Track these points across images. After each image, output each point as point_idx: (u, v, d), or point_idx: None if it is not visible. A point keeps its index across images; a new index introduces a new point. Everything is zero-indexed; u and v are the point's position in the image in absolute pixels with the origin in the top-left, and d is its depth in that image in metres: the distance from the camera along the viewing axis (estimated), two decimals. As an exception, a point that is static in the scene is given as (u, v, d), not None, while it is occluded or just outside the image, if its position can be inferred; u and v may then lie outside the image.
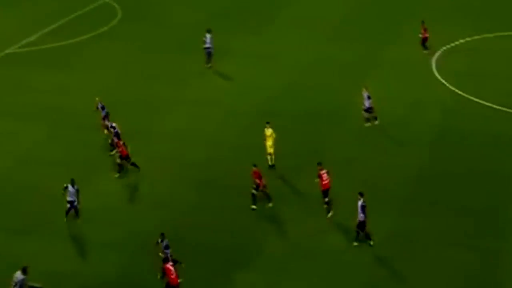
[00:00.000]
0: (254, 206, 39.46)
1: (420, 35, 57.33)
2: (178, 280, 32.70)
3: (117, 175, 42.34)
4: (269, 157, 42.87)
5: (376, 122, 47.37)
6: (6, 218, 39.09)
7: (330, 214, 39.08)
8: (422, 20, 57.72)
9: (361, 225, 36.45)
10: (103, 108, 45.93)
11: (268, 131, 42.79)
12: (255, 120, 46.95)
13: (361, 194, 36.45)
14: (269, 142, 42.63)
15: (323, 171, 39.15)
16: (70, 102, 50.30)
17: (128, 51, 58.93)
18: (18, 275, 32.69)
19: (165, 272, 33.12)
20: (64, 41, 60.59)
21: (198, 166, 43.25)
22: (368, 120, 47.33)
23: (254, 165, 39.80)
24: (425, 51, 57.29)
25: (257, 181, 39.37)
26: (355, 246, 36.57)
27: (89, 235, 37.84)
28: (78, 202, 38.51)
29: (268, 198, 39.74)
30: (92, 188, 41.05)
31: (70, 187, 38.30)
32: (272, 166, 42.72)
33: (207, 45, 55.20)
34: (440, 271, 35.05)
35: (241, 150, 44.44)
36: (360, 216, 36.28)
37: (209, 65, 55.42)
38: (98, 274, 35.14)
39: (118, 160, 42.56)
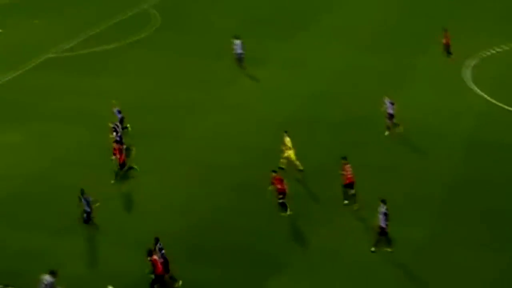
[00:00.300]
0: (286, 213, 39.44)
1: (444, 42, 57.62)
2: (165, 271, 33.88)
3: (113, 181, 42.42)
4: (285, 161, 43.05)
5: (398, 130, 47.03)
6: (45, 218, 39.58)
7: (355, 206, 39.62)
8: (444, 28, 57.97)
9: (382, 231, 36.40)
10: (119, 112, 46.57)
11: (287, 139, 43.11)
12: (286, 126, 47.18)
13: (384, 202, 36.48)
14: (291, 150, 42.94)
15: (348, 165, 40.05)
16: (107, 106, 50.83)
17: (165, 57, 59.65)
18: (47, 277, 32.91)
19: (152, 264, 33.86)
20: (103, 46, 61.48)
21: (230, 170, 43.59)
22: (388, 128, 47.12)
23: (274, 171, 39.93)
24: (449, 58, 57.44)
25: (278, 186, 39.37)
26: (372, 251, 36.43)
27: (123, 237, 38.23)
28: (91, 211, 38.47)
29: (284, 206, 39.55)
30: (125, 190, 41.66)
31: (83, 198, 38.42)
32: (282, 169, 42.67)
33: (239, 51, 55.89)
34: (471, 276, 34.89)
35: (272, 155, 44.59)
36: (382, 223, 36.21)
37: (243, 68, 56.11)
38: (131, 276, 35.44)
39: (116, 168, 42.80)
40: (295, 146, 42.92)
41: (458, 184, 42.18)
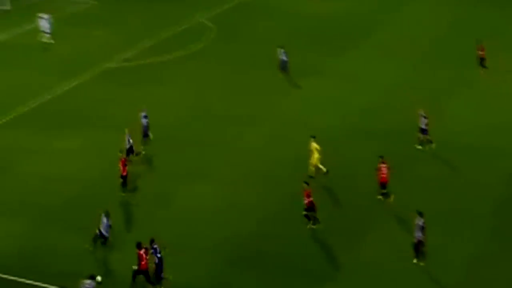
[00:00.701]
0: (309, 225, 39.36)
1: (479, 54, 58.03)
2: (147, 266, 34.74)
3: (123, 194, 42.52)
4: (313, 168, 43.70)
5: (432, 146, 46.83)
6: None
7: (391, 198, 40.61)
8: (478, 39, 58.43)
9: (419, 244, 36.31)
10: (145, 117, 47.29)
11: (314, 145, 43.80)
12: (336, 138, 47.85)
13: (421, 214, 36.49)
14: (317, 155, 43.60)
15: (383, 165, 41.03)
16: (162, 116, 51.88)
17: (220, 68, 60.55)
18: (88, 282, 33.39)
19: (138, 257, 34.79)
20: (160, 57, 62.59)
21: (282, 180, 44.04)
22: (421, 142, 47.05)
23: (306, 183, 39.93)
24: (482, 70, 57.73)
25: (306, 199, 39.18)
26: (415, 263, 36.48)
27: (181, 241, 38.67)
28: (108, 236, 37.84)
29: (308, 218, 39.40)
30: (182, 197, 42.56)
31: (104, 219, 37.68)
32: (312, 177, 43.25)
33: (284, 59, 57.96)
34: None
35: (325, 164, 45.02)
36: (419, 236, 36.14)
37: (287, 75, 57.97)
38: (191, 279, 35.97)
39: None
40: (342, 155, 43.32)
41: (507, 199, 42.01)
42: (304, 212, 39.34)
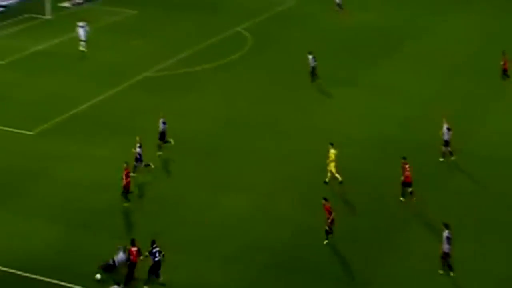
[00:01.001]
0: (326, 240, 39.06)
1: (502, 64, 58.24)
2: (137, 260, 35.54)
3: (127, 203, 42.60)
4: (329, 174, 44.10)
5: (452, 158, 46.64)
6: (142, 230, 40.25)
7: (414, 199, 41.76)
8: (503, 51, 58.59)
9: (446, 256, 36.21)
10: (164, 123, 47.91)
11: (332, 151, 44.19)
12: (369, 149, 47.90)
13: (446, 226, 36.36)
14: (333, 163, 44.04)
15: (407, 165, 42.12)
16: (196, 124, 52.41)
17: (254, 77, 60.86)
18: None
19: (129, 252, 35.74)
20: (196, 67, 63.01)
21: (317, 188, 44.03)
22: (443, 154, 46.83)
23: (325, 199, 39.45)
24: (505, 80, 57.91)
25: (328, 215, 38.75)
26: (441, 274, 36.40)
27: (213, 248, 39.03)
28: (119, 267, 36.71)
29: (327, 233, 39.05)
30: (218, 204, 42.96)
31: (120, 253, 36.68)
32: (326, 183, 44.00)
33: (312, 65, 58.80)
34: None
35: (356, 175, 45.25)
36: (445, 247, 36.06)
37: (316, 80, 58.70)
38: (222, 286, 36.30)
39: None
40: (373, 165, 43.39)
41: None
42: (327, 228, 38.96)
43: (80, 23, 66.77)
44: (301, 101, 56.44)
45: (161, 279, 35.92)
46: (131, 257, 35.72)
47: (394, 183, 43.26)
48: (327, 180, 44.24)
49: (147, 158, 45.88)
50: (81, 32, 66.12)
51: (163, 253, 35.74)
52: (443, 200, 42.96)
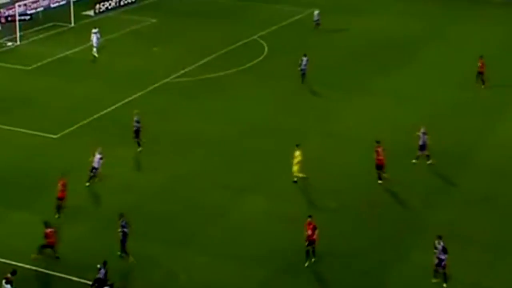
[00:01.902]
0: (306, 263, 37.11)
1: (478, 69, 58.24)
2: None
3: (56, 215, 41.03)
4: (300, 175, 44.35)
5: (429, 162, 46.41)
6: (163, 231, 40.62)
7: (386, 175, 42.22)
8: (480, 55, 58.57)
9: (440, 265, 35.46)
10: (137, 122, 48.41)
11: (297, 153, 44.29)
12: (387, 154, 47.85)
13: (440, 237, 35.56)
14: (298, 164, 44.31)
15: (380, 148, 43.39)
16: (217, 129, 52.47)
17: (270, 84, 60.78)
18: None
19: (45, 235, 36.60)
20: (215, 73, 63.16)
21: (332, 194, 44.12)
22: (417, 157, 46.62)
23: (309, 216, 37.29)
24: (480, 85, 58.17)
25: (309, 232, 36.41)
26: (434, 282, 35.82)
27: (233, 251, 38.98)
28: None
29: (308, 256, 37.13)
30: (238, 205, 43.07)
31: (102, 270, 34.63)
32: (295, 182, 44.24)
33: (303, 67, 59.04)
34: None
35: (370, 181, 45.18)
36: (443, 257, 35.24)
37: (304, 84, 58.96)
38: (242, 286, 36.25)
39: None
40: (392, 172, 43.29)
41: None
42: (307, 247, 36.73)
43: (93, 30, 67.25)
44: (317, 107, 56.41)
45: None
46: (49, 240, 36.64)
47: (397, 188, 43.45)
48: (296, 179, 44.57)
49: (159, 161, 46.14)
50: (94, 38, 66.55)
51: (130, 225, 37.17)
52: (452, 209, 42.65)
